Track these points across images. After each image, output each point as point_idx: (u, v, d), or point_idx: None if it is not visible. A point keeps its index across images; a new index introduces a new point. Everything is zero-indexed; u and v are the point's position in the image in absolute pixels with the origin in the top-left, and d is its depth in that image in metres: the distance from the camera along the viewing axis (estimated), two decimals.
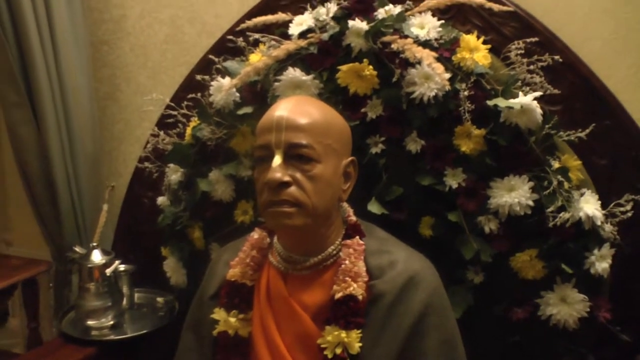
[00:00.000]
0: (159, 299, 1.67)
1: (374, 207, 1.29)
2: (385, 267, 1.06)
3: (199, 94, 1.53)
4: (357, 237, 1.09)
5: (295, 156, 1.00)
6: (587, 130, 1.21)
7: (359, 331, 1.01)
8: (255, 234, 1.17)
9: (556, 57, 1.22)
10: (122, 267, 1.57)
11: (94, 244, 1.57)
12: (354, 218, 1.13)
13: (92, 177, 1.96)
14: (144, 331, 1.54)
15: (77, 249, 1.59)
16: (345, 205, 1.14)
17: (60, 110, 1.82)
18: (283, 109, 1.04)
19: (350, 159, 1.09)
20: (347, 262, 1.05)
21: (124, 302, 1.58)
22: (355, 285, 1.02)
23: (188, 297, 1.55)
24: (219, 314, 1.10)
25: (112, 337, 1.50)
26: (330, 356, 1.00)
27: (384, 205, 1.30)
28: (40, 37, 1.74)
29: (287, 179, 0.99)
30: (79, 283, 1.55)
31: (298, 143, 1.00)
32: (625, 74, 1.30)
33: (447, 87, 1.19)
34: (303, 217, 1.01)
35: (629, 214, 1.19)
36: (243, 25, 1.52)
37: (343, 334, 1.00)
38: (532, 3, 1.32)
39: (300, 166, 1.01)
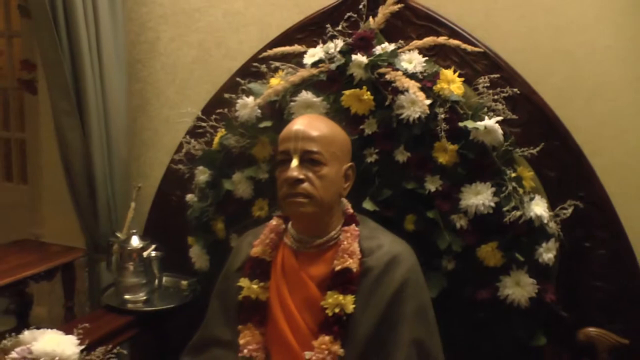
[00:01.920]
0: (183, 282, 1.99)
1: (368, 205, 1.62)
2: (374, 249, 1.39)
3: (225, 109, 1.88)
4: (353, 224, 1.43)
5: (308, 160, 1.35)
6: (539, 148, 1.55)
7: (353, 296, 1.34)
8: (274, 221, 1.51)
9: (515, 90, 1.57)
10: (154, 253, 1.89)
11: (134, 231, 1.90)
12: (350, 210, 1.47)
13: (124, 177, 2.29)
14: (172, 305, 1.86)
15: (119, 234, 1.92)
16: (344, 200, 1.48)
17: (102, 119, 2.15)
18: (299, 124, 1.39)
19: (350, 164, 1.44)
20: (345, 243, 1.39)
21: (155, 282, 1.90)
22: (351, 260, 1.36)
23: (209, 280, 1.89)
24: (243, 282, 1.44)
25: (147, 308, 1.82)
26: (330, 314, 1.33)
27: (376, 203, 1.64)
28: (90, 56, 2.08)
29: (302, 176, 1.33)
30: (118, 263, 1.87)
31: (310, 150, 1.35)
32: (573, 106, 1.65)
33: (427, 111, 1.53)
34: (313, 206, 1.35)
35: (568, 215, 1.52)
36: (265, 54, 1.87)
37: (341, 298, 1.33)
38: (499, 45, 1.67)
39: (312, 168, 1.35)
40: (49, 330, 1.40)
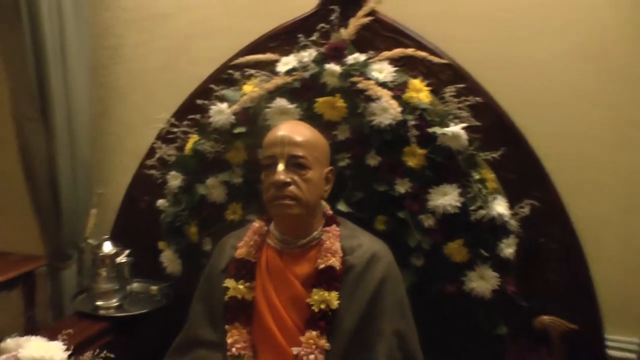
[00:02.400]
0: (153, 287, 2.02)
1: (342, 207, 1.71)
2: (354, 247, 1.49)
3: (198, 115, 1.92)
4: (334, 225, 1.52)
5: (294, 164, 1.43)
6: (499, 152, 1.69)
7: (337, 293, 1.42)
8: (256, 224, 1.57)
9: (478, 99, 1.71)
10: (125, 259, 1.91)
11: (106, 237, 1.91)
12: (330, 212, 1.56)
13: (88, 183, 2.29)
14: (145, 310, 1.88)
15: (91, 240, 1.92)
16: (323, 202, 1.57)
17: (66, 124, 2.15)
18: (284, 130, 1.46)
19: (330, 167, 1.53)
20: (327, 242, 1.47)
21: (127, 287, 1.92)
22: (334, 259, 1.45)
23: (182, 283, 1.93)
24: (229, 282, 1.50)
25: (121, 314, 1.83)
26: (316, 310, 1.41)
27: (349, 205, 1.73)
28: (55, 61, 2.07)
29: (289, 180, 1.41)
30: (92, 269, 1.88)
31: (296, 155, 1.43)
32: (527, 113, 1.81)
33: (400, 118, 1.65)
34: (299, 208, 1.43)
35: (526, 213, 1.67)
36: (237, 61, 1.93)
37: (326, 294, 1.42)
38: (463, 57, 1.81)
39: (298, 171, 1.43)
40: (33, 337, 1.41)
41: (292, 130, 1.46)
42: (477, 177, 1.67)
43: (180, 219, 1.90)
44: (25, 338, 1.39)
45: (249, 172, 1.86)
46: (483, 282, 1.68)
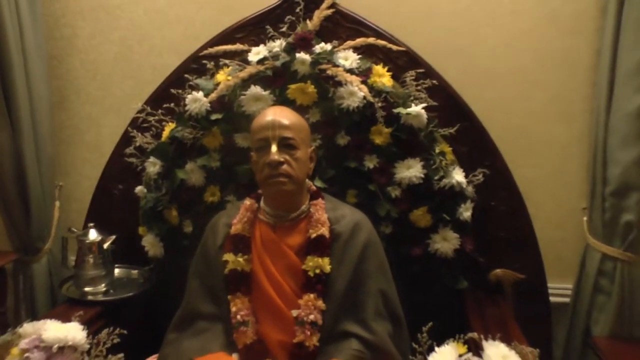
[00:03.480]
0: (134, 272, 2.13)
1: (318, 183, 1.90)
2: (339, 218, 1.69)
3: (172, 104, 2.04)
4: (320, 199, 1.71)
5: (285, 145, 1.60)
6: (454, 129, 1.95)
7: (328, 258, 1.62)
8: (247, 202, 1.74)
9: (434, 82, 1.95)
10: (110, 245, 2.01)
11: (91, 224, 2.00)
12: (314, 187, 1.75)
13: (51, 177, 2.33)
14: (133, 293, 1.99)
15: (74, 229, 2.00)
16: (307, 179, 1.75)
17: (29, 118, 2.18)
18: (272, 115, 1.63)
19: (312, 147, 1.71)
20: (316, 214, 1.66)
21: (114, 273, 2.02)
22: (324, 228, 1.64)
23: (164, 265, 2.06)
24: (228, 256, 1.65)
25: (112, 297, 1.93)
26: (312, 275, 1.60)
27: (324, 181, 1.93)
28: (16, 52, 2.10)
29: (282, 159, 1.58)
30: (77, 256, 1.96)
31: (286, 137, 1.60)
32: (474, 93, 2.07)
33: (371, 101, 1.86)
34: (291, 184, 1.61)
35: (480, 180, 1.95)
36: (206, 52, 2.07)
37: (319, 260, 1.61)
38: (417, 45, 2.04)
39: (288, 152, 1.60)
40: (48, 320, 1.50)
41: (279, 114, 1.64)
42: (437, 150, 1.92)
43: (161, 203, 2.02)
44: (42, 322, 1.49)
45: (226, 156, 2.01)
46: (446, 243, 1.94)
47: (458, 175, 1.92)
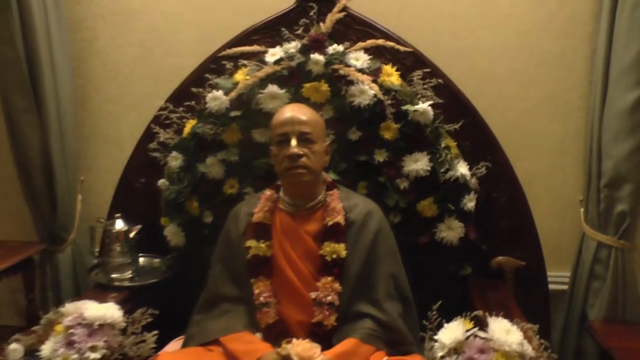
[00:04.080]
0: (155, 260, 2.26)
1: (332, 175, 2.04)
2: (352, 207, 1.83)
3: (193, 102, 2.18)
4: (335, 189, 1.85)
5: (304, 139, 1.74)
6: (458, 125, 2.09)
7: (344, 244, 1.76)
8: (268, 192, 1.88)
9: (439, 80, 2.10)
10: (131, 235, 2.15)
11: (118, 215, 2.14)
12: (329, 179, 1.90)
13: (74, 171, 2.47)
14: (156, 279, 2.12)
15: (102, 219, 2.13)
16: (323, 172, 1.89)
17: (55, 114, 2.32)
18: (291, 111, 1.77)
19: (328, 142, 1.85)
20: (332, 203, 1.81)
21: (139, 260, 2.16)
22: (339, 216, 1.78)
23: (184, 255, 2.19)
24: (251, 243, 1.79)
25: (138, 283, 2.07)
26: (329, 259, 1.74)
27: (337, 174, 2.07)
28: (46, 52, 2.23)
29: (301, 152, 1.73)
30: (104, 245, 2.10)
31: (305, 131, 1.74)
32: (480, 91, 2.22)
33: (382, 98, 2.00)
34: (309, 175, 1.75)
35: (483, 173, 2.09)
36: (224, 53, 2.21)
37: (335, 246, 1.75)
38: (421, 46, 2.19)
39: (307, 145, 1.75)
40: (87, 301, 1.64)
41: (298, 111, 1.78)
42: (443, 145, 2.06)
43: (183, 195, 2.15)
44: (81, 302, 1.63)
45: (244, 150, 2.15)
46: (451, 231, 2.08)
47: (462, 168, 2.06)
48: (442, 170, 2.04)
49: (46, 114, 2.26)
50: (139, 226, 2.14)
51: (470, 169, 2.10)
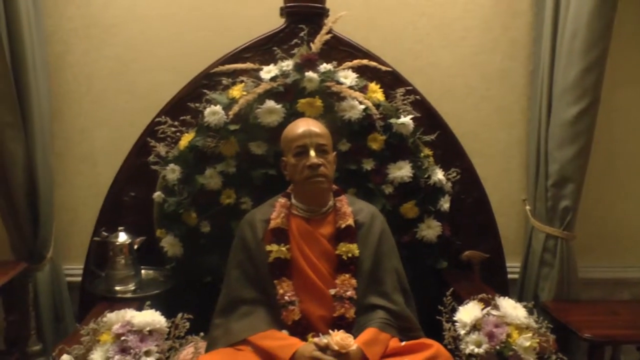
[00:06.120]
0: (150, 272, 2.32)
1: None
2: (358, 210, 2.05)
3: (188, 116, 2.28)
4: (343, 195, 2.05)
5: (320, 150, 1.94)
6: (433, 136, 2.38)
7: (356, 244, 1.96)
8: (282, 199, 2.03)
9: (417, 97, 2.37)
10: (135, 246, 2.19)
11: (121, 228, 2.16)
12: (335, 186, 2.09)
13: (52, 187, 2.44)
14: (159, 290, 2.18)
15: (104, 232, 2.15)
16: None
17: (40, 130, 2.29)
18: (306, 125, 1.96)
19: (335, 152, 2.05)
20: (342, 208, 2.01)
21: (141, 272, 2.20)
22: (350, 219, 1.99)
23: (184, 263, 2.27)
24: (272, 247, 1.94)
25: (144, 294, 2.11)
26: (345, 258, 1.94)
27: None
28: (33, 65, 2.21)
29: (320, 162, 1.91)
30: (109, 257, 2.12)
31: (321, 143, 1.94)
32: (447, 106, 2.53)
33: (371, 111, 2.23)
34: (327, 183, 1.95)
35: (455, 178, 2.40)
36: (216, 69, 2.32)
37: (350, 246, 1.96)
38: (401, 67, 2.45)
39: (323, 156, 1.94)
40: (128, 309, 1.70)
41: (312, 125, 1.97)
42: (423, 154, 2.33)
43: (182, 206, 2.23)
44: (122, 311, 1.68)
45: (241, 162, 2.27)
46: (430, 230, 2.36)
47: (439, 174, 2.34)
48: (424, 176, 2.31)
49: (31, 128, 2.24)
50: (142, 238, 2.18)
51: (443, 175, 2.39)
